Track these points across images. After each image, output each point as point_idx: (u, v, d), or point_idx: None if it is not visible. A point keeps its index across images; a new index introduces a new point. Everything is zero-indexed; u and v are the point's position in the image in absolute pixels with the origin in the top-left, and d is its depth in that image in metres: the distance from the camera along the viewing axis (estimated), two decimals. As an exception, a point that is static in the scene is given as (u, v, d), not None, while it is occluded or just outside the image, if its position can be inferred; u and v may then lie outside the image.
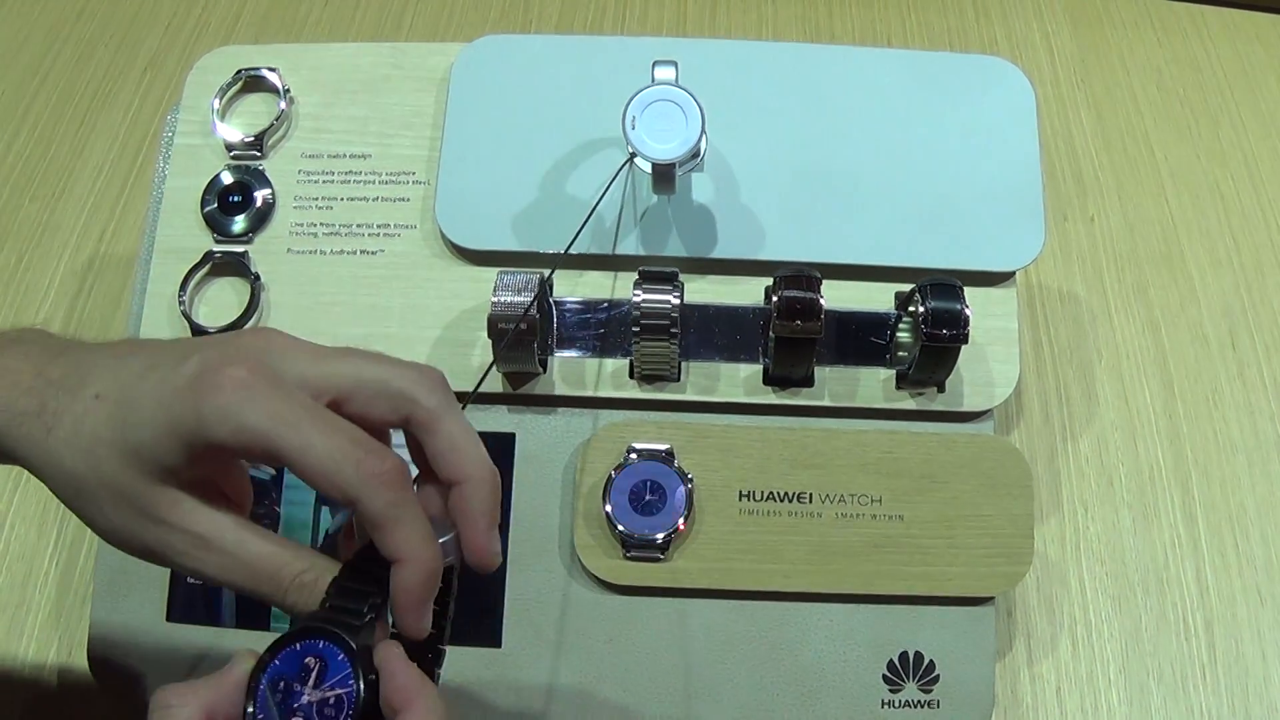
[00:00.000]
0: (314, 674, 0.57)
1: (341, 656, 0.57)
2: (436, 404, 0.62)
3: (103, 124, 1.30)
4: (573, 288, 0.92)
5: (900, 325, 0.91)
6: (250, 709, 0.57)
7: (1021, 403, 1.10)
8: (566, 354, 0.91)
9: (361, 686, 0.57)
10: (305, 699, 0.57)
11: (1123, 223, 1.23)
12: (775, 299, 0.84)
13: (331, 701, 0.56)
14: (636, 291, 0.85)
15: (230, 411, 0.57)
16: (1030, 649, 1.00)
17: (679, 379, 0.90)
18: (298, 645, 0.58)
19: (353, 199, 0.95)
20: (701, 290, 0.92)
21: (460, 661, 0.87)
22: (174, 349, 0.62)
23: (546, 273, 0.87)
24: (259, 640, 0.87)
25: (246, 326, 0.91)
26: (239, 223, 0.94)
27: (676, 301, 0.85)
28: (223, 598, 0.89)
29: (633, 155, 0.84)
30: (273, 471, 0.90)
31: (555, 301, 0.91)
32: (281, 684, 0.57)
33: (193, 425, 0.57)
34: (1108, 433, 1.10)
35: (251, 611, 0.89)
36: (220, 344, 0.61)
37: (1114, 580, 1.03)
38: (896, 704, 0.88)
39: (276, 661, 0.58)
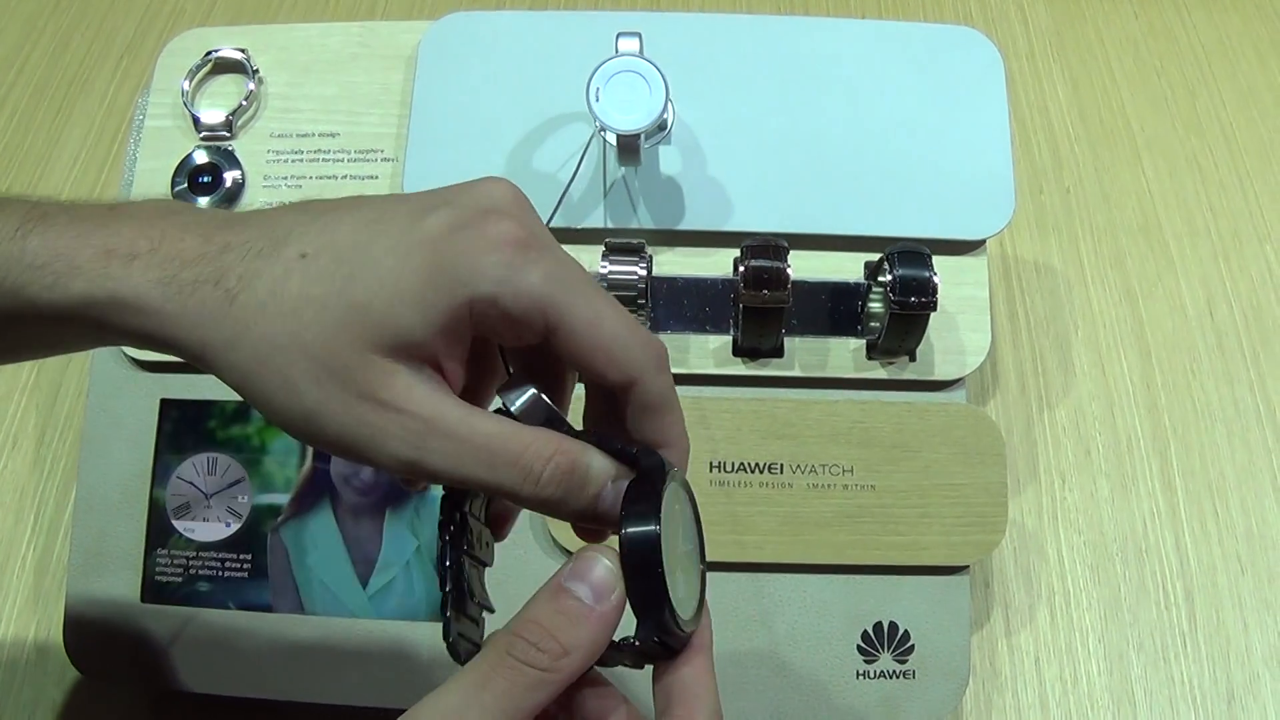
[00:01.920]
0: (680, 524, 0.55)
1: (691, 510, 0.56)
2: (667, 386, 0.56)
3: (79, 112, 1.30)
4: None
5: (871, 295, 0.91)
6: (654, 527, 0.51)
7: (998, 373, 1.10)
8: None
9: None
10: (679, 549, 0.54)
11: (1099, 194, 1.22)
12: (742, 269, 0.84)
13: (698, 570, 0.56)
14: (603, 264, 0.85)
15: (507, 270, 0.50)
16: (1008, 620, 1.00)
17: (648, 351, 0.90)
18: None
19: (321, 177, 0.95)
20: (670, 262, 0.92)
21: (434, 636, 0.87)
22: (399, 203, 0.53)
23: None
24: (235, 619, 0.88)
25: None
26: (209, 203, 0.94)
27: (644, 273, 0.85)
28: (195, 576, 0.89)
29: (600, 128, 0.84)
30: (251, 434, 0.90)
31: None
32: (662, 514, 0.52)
33: (451, 286, 0.50)
34: (1085, 403, 1.10)
35: (228, 592, 0.89)
36: (468, 193, 0.54)
37: (1092, 550, 1.03)
38: (871, 674, 0.87)
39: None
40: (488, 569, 0.60)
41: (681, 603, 0.52)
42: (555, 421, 0.55)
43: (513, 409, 0.54)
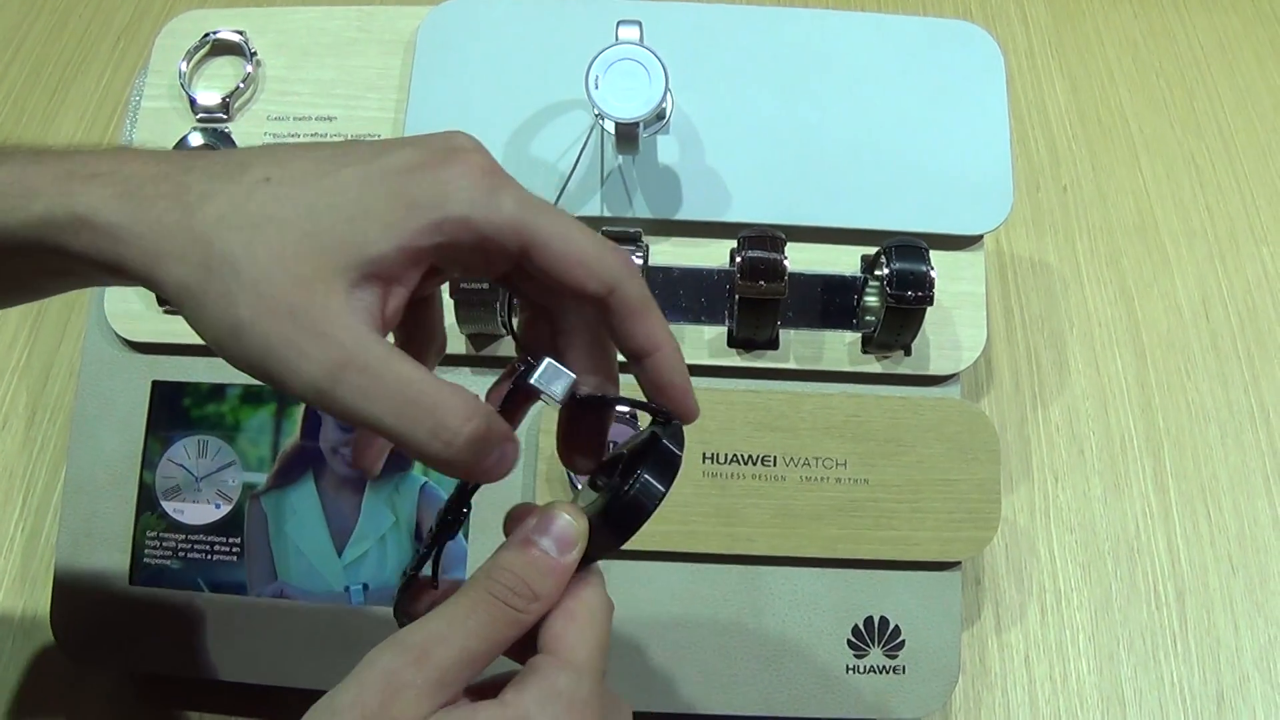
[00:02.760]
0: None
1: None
2: (645, 288, 0.56)
3: (75, 92, 1.30)
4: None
5: (867, 288, 0.91)
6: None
7: (992, 370, 1.10)
8: (531, 316, 0.90)
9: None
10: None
11: (1096, 193, 1.22)
12: (739, 260, 0.84)
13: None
14: (599, 253, 0.84)
15: (481, 194, 0.52)
16: (999, 617, 1.00)
17: (643, 341, 0.89)
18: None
19: (318, 161, 0.94)
20: (666, 252, 0.91)
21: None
22: (363, 143, 0.54)
23: None
24: (222, 602, 0.87)
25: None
26: (204, 186, 0.93)
27: (640, 262, 0.84)
28: (183, 559, 0.89)
29: (599, 116, 0.84)
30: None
31: (520, 263, 0.91)
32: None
33: (421, 208, 0.51)
34: (1079, 401, 1.09)
35: (217, 575, 0.89)
36: (433, 137, 0.55)
37: (1084, 549, 1.03)
38: (862, 669, 0.87)
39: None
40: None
41: None
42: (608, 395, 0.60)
43: (557, 395, 0.56)
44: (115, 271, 0.52)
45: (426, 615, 0.53)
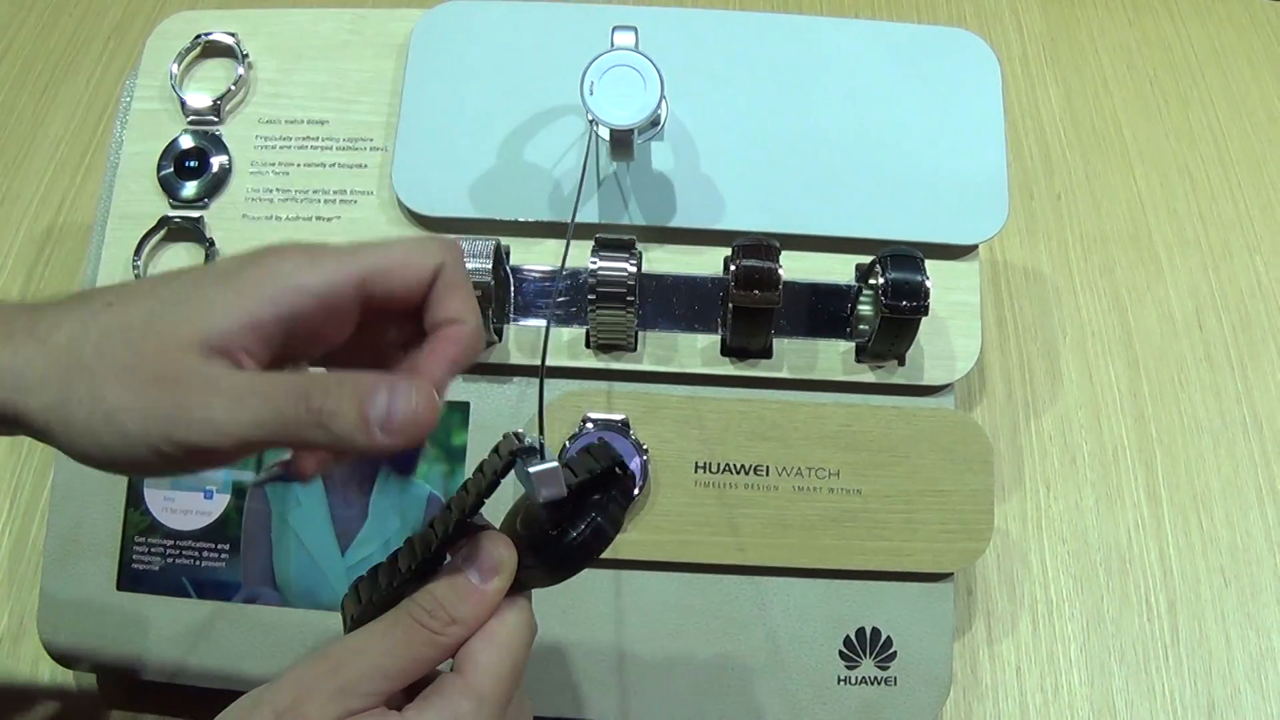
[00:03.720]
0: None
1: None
2: (462, 269, 0.61)
3: (64, 93, 1.29)
4: (536, 256, 0.91)
5: (861, 297, 0.90)
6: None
7: (984, 379, 1.10)
8: (524, 322, 0.90)
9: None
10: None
11: (1090, 201, 1.22)
12: (733, 268, 0.84)
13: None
14: (593, 259, 0.84)
15: (304, 260, 0.57)
16: (990, 628, 1.00)
17: (636, 349, 0.89)
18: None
19: (310, 165, 0.94)
20: (660, 259, 0.91)
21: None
22: (189, 269, 0.60)
23: (501, 239, 0.86)
24: (210, 608, 0.87)
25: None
26: (195, 188, 0.93)
27: (634, 270, 0.84)
28: (171, 564, 0.88)
29: (593, 122, 0.84)
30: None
31: (512, 269, 0.90)
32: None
33: (258, 288, 0.55)
34: (1071, 411, 1.09)
35: (205, 582, 0.88)
36: (239, 255, 0.59)
37: (1076, 559, 1.03)
38: (853, 680, 0.87)
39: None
40: None
41: None
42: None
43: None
44: None
45: (350, 634, 0.59)
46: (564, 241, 0.91)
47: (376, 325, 0.61)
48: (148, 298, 0.55)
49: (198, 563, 0.88)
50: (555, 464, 0.58)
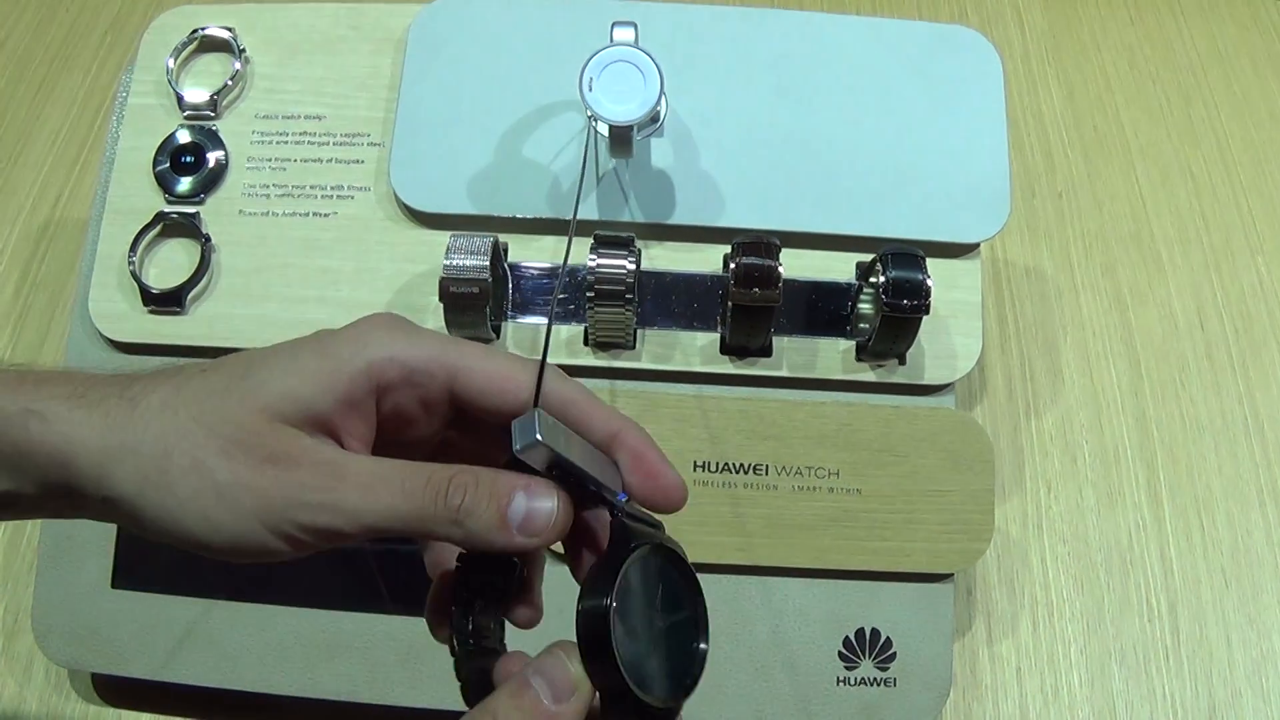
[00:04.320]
0: (659, 596, 0.54)
1: (679, 579, 0.54)
2: (576, 385, 0.58)
3: (61, 88, 1.29)
4: (534, 253, 0.91)
5: (861, 295, 0.90)
6: (613, 603, 0.50)
7: (985, 378, 1.09)
8: (521, 320, 0.89)
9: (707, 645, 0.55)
10: (656, 624, 0.53)
11: (1091, 200, 1.22)
12: (733, 266, 0.83)
13: (683, 649, 0.54)
14: (592, 256, 0.84)
15: (401, 335, 0.55)
16: (990, 628, 0.99)
17: (634, 347, 0.89)
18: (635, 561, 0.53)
19: (306, 160, 0.93)
20: (659, 257, 0.91)
21: (394, 630, 0.87)
22: (270, 348, 0.56)
23: (499, 236, 0.86)
24: (205, 606, 0.87)
25: (196, 288, 0.90)
26: (191, 183, 0.93)
27: (632, 267, 0.84)
28: (166, 562, 0.88)
29: (592, 118, 0.83)
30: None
31: (510, 266, 0.90)
32: (634, 587, 0.53)
33: (348, 358, 0.54)
34: (1072, 410, 1.09)
35: (196, 575, 0.87)
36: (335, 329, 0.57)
37: (1076, 560, 1.02)
38: (852, 681, 0.87)
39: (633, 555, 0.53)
40: None
41: (649, 681, 0.51)
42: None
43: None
44: (60, 480, 0.52)
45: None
46: (562, 239, 0.90)
47: (467, 430, 0.60)
48: (243, 364, 0.54)
49: (192, 560, 0.88)
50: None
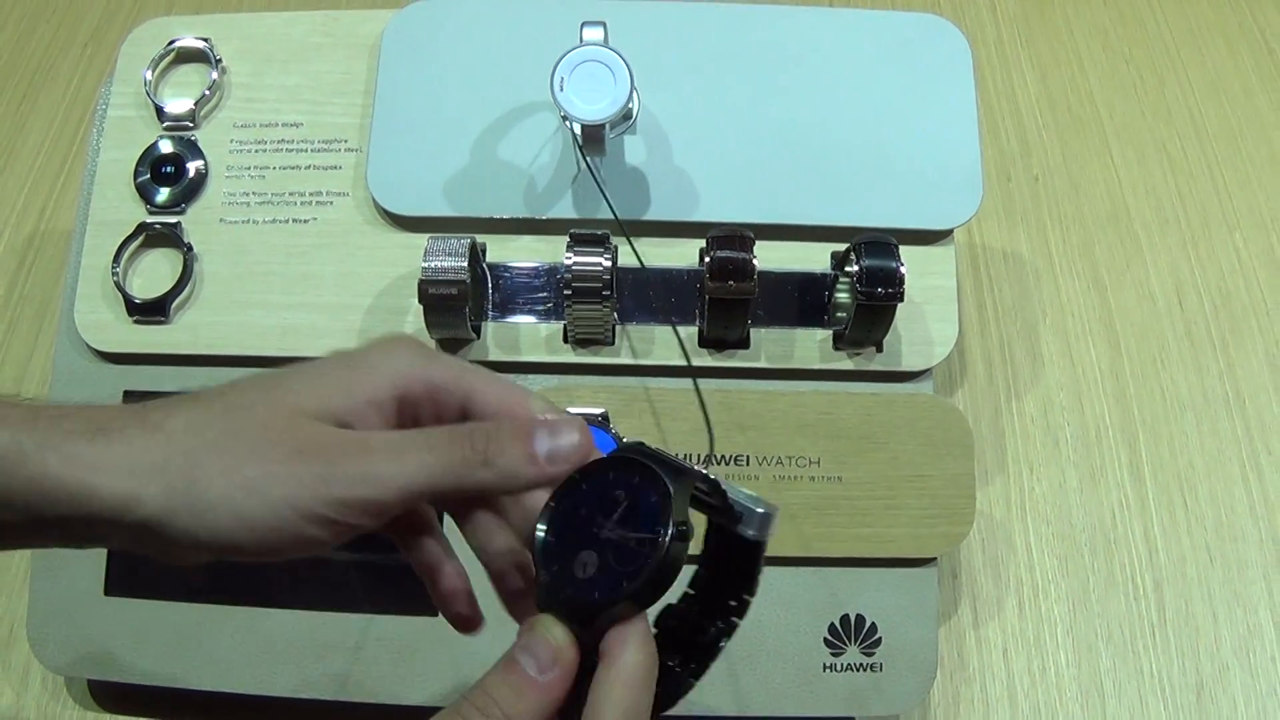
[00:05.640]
0: (620, 510, 0.52)
1: (655, 499, 0.52)
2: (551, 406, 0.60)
3: (43, 101, 1.29)
4: (512, 252, 0.92)
5: (837, 285, 0.90)
6: (542, 529, 0.53)
7: (965, 363, 1.10)
8: (501, 319, 0.90)
9: (668, 537, 0.50)
10: (605, 535, 0.52)
11: (1068, 182, 1.22)
12: (708, 260, 0.84)
13: (632, 545, 0.51)
14: (568, 255, 0.84)
15: (425, 355, 0.58)
16: (976, 611, 1.00)
17: (614, 342, 0.89)
18: (610, 474, 0.54)
19: (285, 168, 0.94)
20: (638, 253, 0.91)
21: (399, 631, 0.87)
22: (292, 367, 0.58)
23: (477, 237, 0.87)
24: (199, 611, 0.87)
25: (180, 297, 0.91)
26: (172, 193, 0.93)
27: (608, 264, 0.84)
28: (157, 568, 0.88)
29: (565, 118, 0.84)
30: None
31: (489, 266, 0.90)
32: (583, 510, 0.53)
33: (376, 368, 0.57)
34: (1053, 392, 1.10)
35: (187, 581, 0.88)
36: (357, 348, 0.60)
37: (1061, 541, 1.03)
38: (838, 667, 0.87)
39: (583, 486, 0.54)
40: None
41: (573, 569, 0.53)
42: None
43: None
44: (80, 513, 0.52)
45: None
46: (540, 237, 0.91)
47: None
48: (270, 380, 0.56)
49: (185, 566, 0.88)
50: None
